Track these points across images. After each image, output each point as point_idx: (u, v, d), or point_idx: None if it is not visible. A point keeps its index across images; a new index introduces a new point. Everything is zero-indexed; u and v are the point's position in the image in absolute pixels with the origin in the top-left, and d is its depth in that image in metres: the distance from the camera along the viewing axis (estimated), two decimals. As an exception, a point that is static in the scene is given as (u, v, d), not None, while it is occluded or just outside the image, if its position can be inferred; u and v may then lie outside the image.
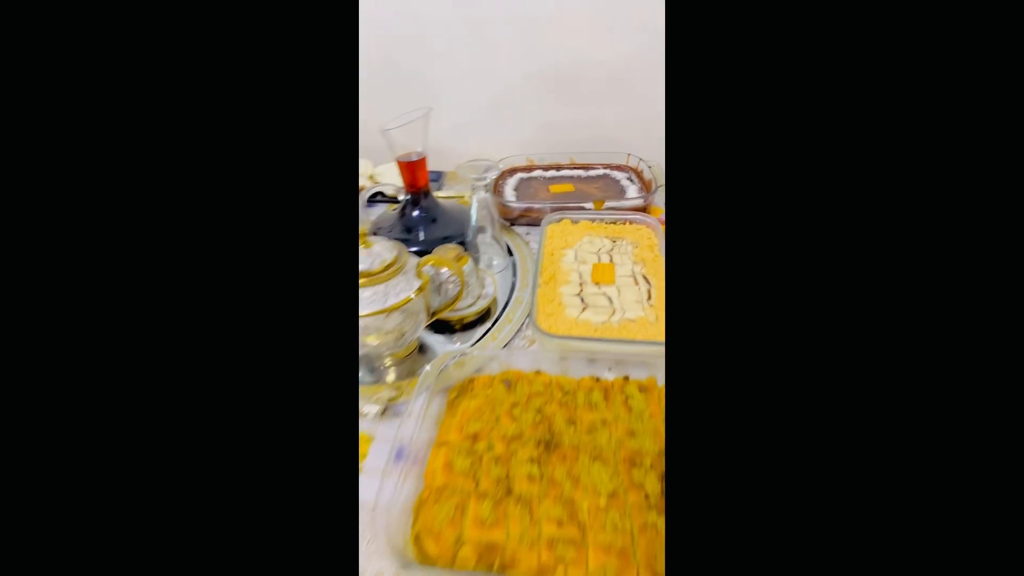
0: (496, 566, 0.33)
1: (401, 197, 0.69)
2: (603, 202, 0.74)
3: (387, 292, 0.46)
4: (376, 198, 0.84)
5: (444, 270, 0.53)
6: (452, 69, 0.90)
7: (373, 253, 0.46)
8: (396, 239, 0.51)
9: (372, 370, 0.53)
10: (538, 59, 0.88)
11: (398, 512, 0.36)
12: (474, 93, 0.92)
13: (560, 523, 0.35)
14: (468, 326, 0.59)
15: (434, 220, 0.69)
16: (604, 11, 0.82)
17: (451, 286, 0.57)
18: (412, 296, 0.47)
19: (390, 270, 0.46)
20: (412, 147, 0.64)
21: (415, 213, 0.69)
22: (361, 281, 0.46)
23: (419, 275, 0.49)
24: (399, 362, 0.54)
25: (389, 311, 0.45)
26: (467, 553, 0.34)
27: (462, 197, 0.82)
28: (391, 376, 0.52)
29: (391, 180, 0.85)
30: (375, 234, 0.66)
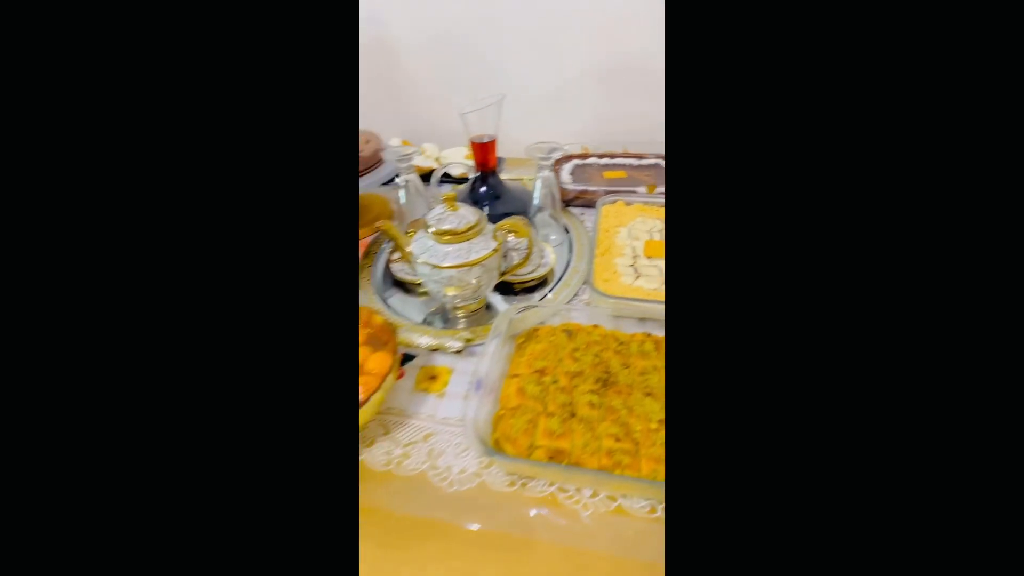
0: (565, 463, 0.40)
1: (471, 175, 0.77)
2: (655, 186, 0.79)
3: (469, 249, 0.54)
4: (443, 178, 0.93)
5: (511, 238, 0.61)
6: (517, 64, 0.97)
7: (459, 215, 0.54)
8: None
9: (446, 320, 0.61)
10: (596, 55, 0.94)
11: (482, 423, 0.44)
12: (536, 86, 0.99)
13: (617, 438, 0.42)
14: (528, 290, 0.66)
15: (498, 197, 0.77)
16: (659, 10, 0.88)
17: (514, 255, 0.65)
18: (491, 253, 0.54)
19: (472, 231, 0.54)
20: (485, 130, 0.71)
21: (482, 189, 0.76)
22: (446, 238, 0.53)
23: (495, 237, 0.56)
24: (469, 315, 0.61)
25: (474, 263, 0.52)
26: (540, 455, 0.41)
27: (522, 180, 0.89)
28: (461, 326, 0.60)
29: (456, 162, 0.93)
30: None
